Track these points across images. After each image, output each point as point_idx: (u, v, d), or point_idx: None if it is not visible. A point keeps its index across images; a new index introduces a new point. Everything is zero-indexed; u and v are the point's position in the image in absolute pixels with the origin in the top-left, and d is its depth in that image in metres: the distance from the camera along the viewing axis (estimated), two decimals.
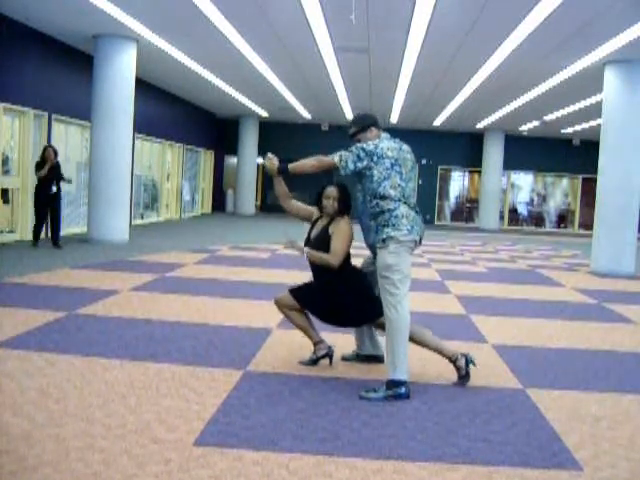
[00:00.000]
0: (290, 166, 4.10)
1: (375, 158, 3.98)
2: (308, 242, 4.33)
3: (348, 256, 4.26)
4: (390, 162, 3.98)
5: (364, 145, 4.04)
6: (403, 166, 4.03)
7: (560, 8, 8.00)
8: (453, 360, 4.17)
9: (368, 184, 4.02)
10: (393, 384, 3.85)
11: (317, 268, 4.27)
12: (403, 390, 3.85)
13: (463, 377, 4.17)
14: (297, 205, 4.45)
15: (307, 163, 4.12)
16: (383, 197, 3.98)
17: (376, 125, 4.23)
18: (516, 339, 5.62)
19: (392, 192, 3.97)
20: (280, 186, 4.30)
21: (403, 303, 3.92)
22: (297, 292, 4.34)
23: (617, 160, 10.80)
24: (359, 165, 3.98)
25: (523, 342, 5.52)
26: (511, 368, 4.64)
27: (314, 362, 4.42)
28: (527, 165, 24.59)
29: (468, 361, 4.17)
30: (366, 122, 4.22)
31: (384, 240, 3.95)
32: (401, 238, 3.94)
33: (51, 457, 2.76)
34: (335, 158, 4.01)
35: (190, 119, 20.88)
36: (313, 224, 4.40)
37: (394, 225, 3.95)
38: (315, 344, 4.41)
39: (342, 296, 4.18)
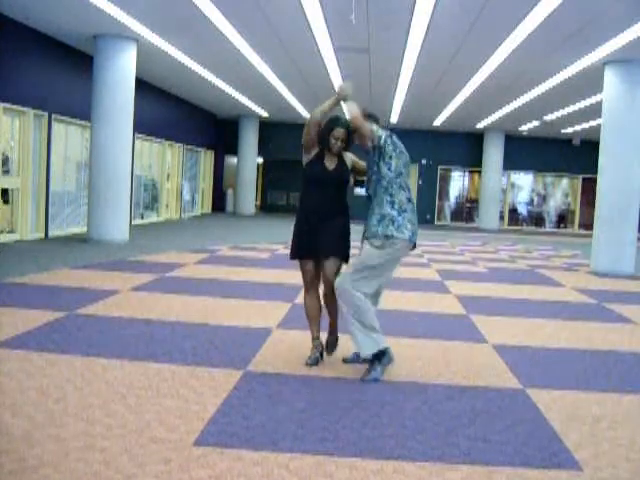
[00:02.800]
0: (351, 104, 4.24)
1: (397, 151, 4.20)
2: (327, 173, 4.37)
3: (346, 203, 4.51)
4: (403, 162, 4.24)
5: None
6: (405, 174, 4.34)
7: (560, 8, 8.00)
8: (316, 337, 4.57)
9: (386, 170, 4.17)
10: (377, 357, 4.14)
11: (328, 206, 4.39)
12: (387, 359, 4.17)
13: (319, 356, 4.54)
14: (318, 124, 4.41)
15: (354, 111, 4.21)
16: (402, 188, 4.19)
17: (377, 125, 4.34)
18: (516, 339, 5.62)
19: (406, 189, 4.24)
20: (332, 105, 4.31)
21: (359, 289, 4.10)
22: (296, 254, 4.46)
23: (617, 160, 10.79)
24: (388, 141, 4.16)
25: (523, 342, 5.52)
26: (511, 368, 4.64)
27: (317, 360, 4.49)
28: (527, 165, 24.57)
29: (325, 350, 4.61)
30: (369, 120, 4.30)
31: (386, 236, 4.13)
32: (399, 243, 4.14)
33: (51, 457, 2.76)
34: (373, 127, 4.21)
35: (190, 119, 20.87)
36: (317, 159, 4.41)
37: (399, 227, 4.14)
38: (313, 339, 4.54)
39: (337, 228, 4.36)
